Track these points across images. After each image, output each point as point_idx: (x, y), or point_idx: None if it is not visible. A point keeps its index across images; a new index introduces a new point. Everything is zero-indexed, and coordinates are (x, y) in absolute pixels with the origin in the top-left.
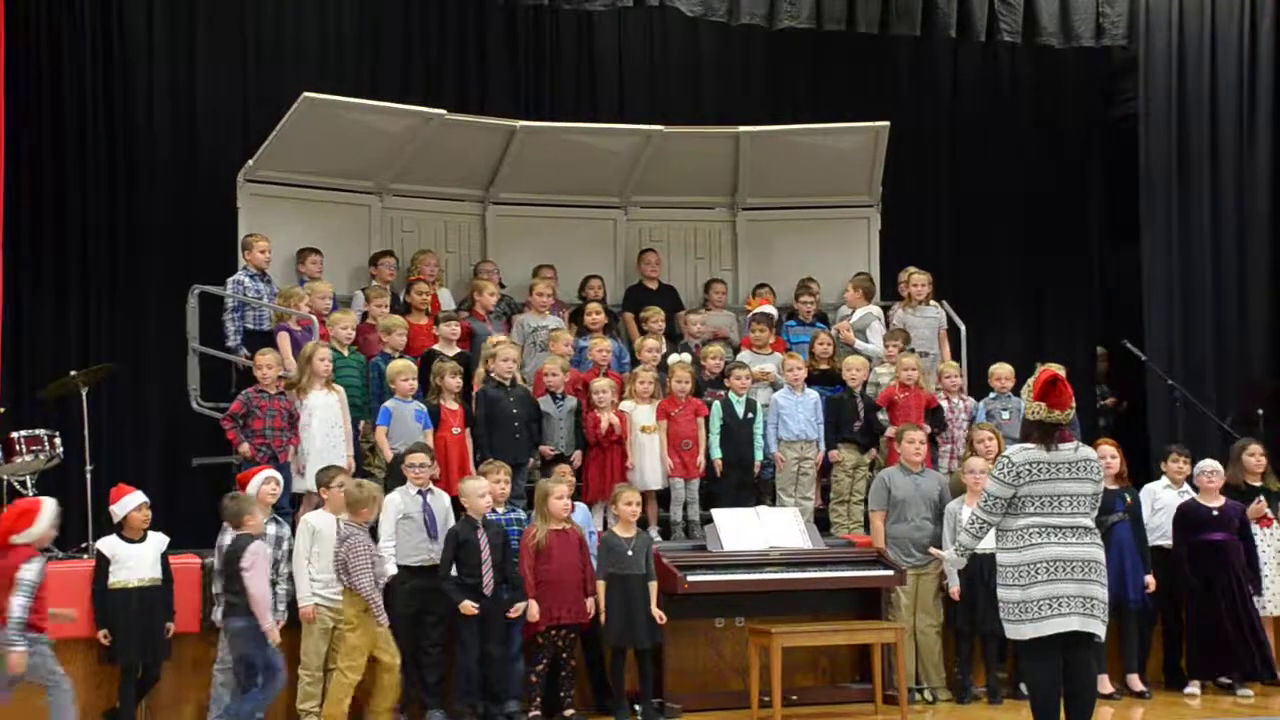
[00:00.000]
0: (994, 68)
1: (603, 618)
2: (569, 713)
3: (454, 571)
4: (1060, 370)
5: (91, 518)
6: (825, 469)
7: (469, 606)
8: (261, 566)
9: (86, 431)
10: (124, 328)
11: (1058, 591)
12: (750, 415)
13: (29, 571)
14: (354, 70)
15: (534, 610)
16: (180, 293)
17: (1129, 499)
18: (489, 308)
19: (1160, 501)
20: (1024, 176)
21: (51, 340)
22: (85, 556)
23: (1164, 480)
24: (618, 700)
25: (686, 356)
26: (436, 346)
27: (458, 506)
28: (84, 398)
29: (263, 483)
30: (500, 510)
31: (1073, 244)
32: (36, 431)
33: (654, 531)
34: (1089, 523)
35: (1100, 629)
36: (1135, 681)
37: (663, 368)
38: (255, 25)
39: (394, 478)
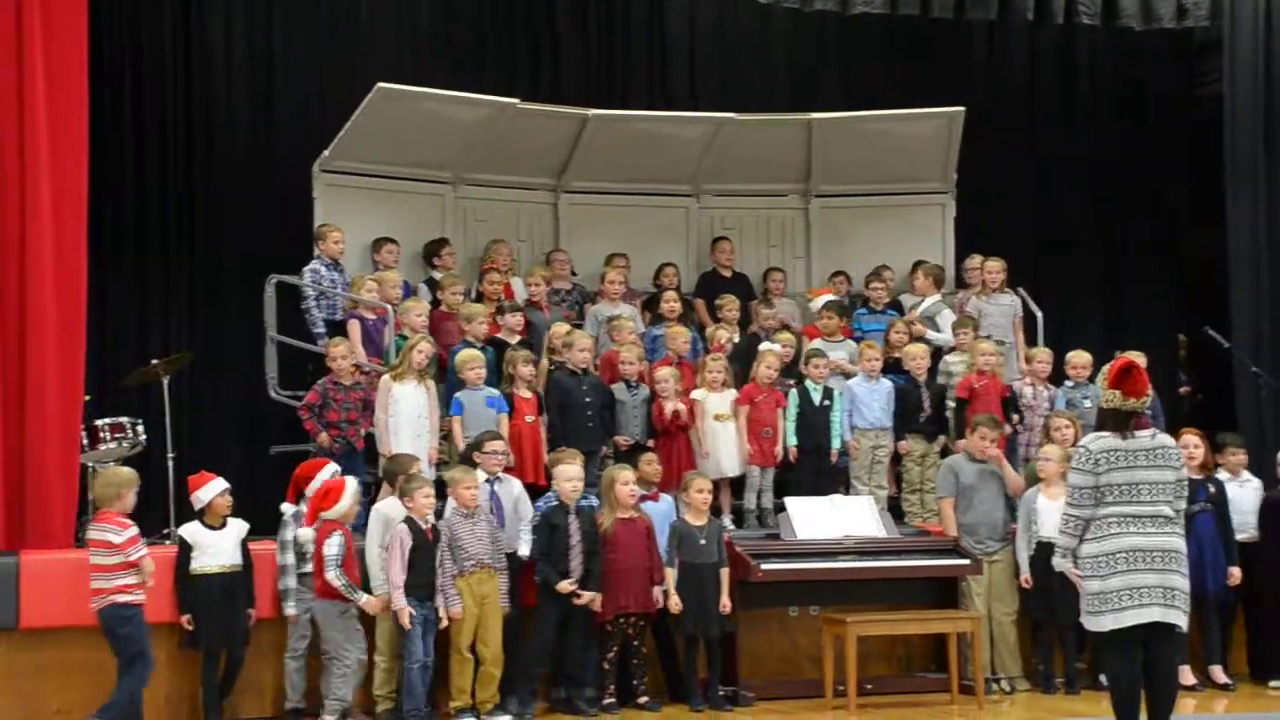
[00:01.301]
0: (1071, 51)
1: (673, 605)
2: (642, 700)
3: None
4: (1139, 358)
5: (174, 504)
6: (895, 458)
7: (566, 585)
8: (396, 550)
9: (168, 419)
10: (203, 317)
11: (1137, 582)
12: (827, 403)
13: (332, 546)
14: (427, 57)
15: (596, 599)
16: (258, 283)
17: (1212, 489)
18: (539, 296)
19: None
20: (1103, 161)
21: (134, 330)
22: (168, 542)
23: (1222, 473)
24: (690, 689)
25: (778, 346)
26: (499, 335)
27: (531, 493)
28: (165, 386)
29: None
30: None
31: (1154, 229)
32: (120, 419)
33: (727, 520)
34: (1170, 511)
35: (1182, 620)
36: (1218, 673)
37: (741, 357)
38: (330, 14)
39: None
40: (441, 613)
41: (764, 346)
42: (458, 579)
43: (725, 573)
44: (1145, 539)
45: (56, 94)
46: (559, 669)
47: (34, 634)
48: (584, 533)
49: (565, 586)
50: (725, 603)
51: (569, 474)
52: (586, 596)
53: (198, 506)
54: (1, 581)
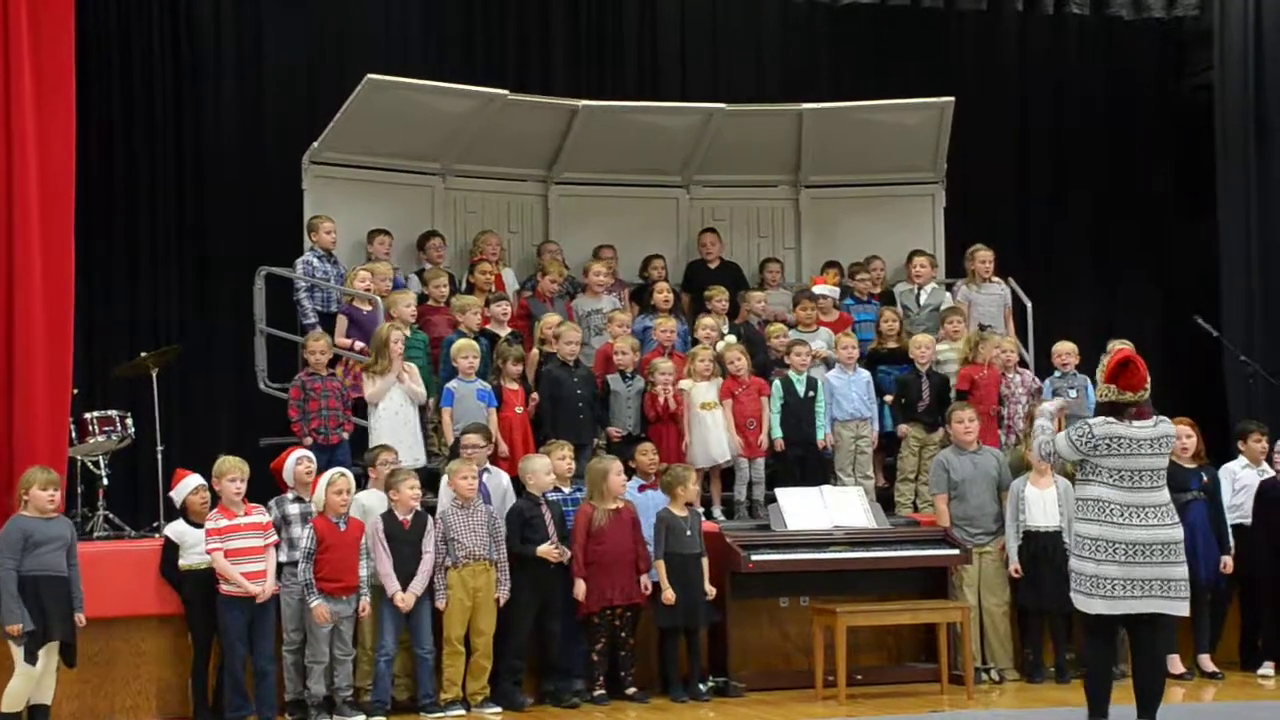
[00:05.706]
0: (1062, 41)
1: (667, 598)
2: (631, 691)
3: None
4: (1130, 347)
5: (163, 497)
6: (888, 447)
7: (548, 549)
8: (378, 542)
9: (157, 412)
10: (193, 309)
11: (1136, 574)
12: (811, 394)
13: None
14: (417, 47)
15: (581, 590)
16: (247, 274)
17: (1205, 478)
18: (550, 292)
19: (1240, 481)
20: (1092, 151)
21: (123, 322)
22: (157, 535)
23: (1241, 460)
24: (671, 681)
25: (733, 338)
26: (489, 327)
27: (517, 485)
28: (154, 379)
29: (295, 463)
30: (566, 490)
31: (1143, 220)
32: (109, 412)
33: (718, 511)
34: (1168, 498)
35: (1184, 609)
36: (1207, 662)
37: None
38: (319, 5)
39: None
40: (439, 603)
41: (720, 345)
42: (450, 571)
43: (705, 561)
44: (1147, 532)
45: (44, 83)
46: (545, 661)
47: None
48: (555, 522)
49: (546, 549)
50: (710, 589)
51: (540, 467)
52: (578, 589)
53: (177, 505)
54: None
